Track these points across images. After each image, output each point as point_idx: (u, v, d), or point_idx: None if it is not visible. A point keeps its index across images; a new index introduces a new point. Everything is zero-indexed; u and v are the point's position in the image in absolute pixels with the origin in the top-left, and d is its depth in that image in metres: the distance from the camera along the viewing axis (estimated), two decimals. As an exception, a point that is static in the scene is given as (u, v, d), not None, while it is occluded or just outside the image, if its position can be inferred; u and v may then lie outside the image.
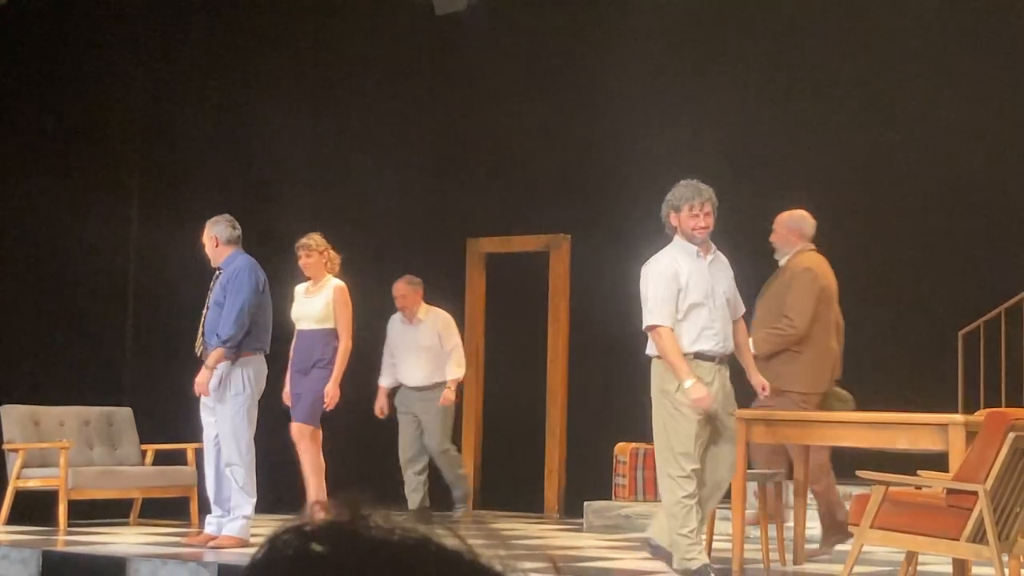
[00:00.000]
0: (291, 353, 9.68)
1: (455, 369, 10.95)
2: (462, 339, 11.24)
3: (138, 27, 11.78)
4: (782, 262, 8.78)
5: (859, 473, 7.25)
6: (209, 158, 11.92)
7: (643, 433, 11.14)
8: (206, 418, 8.90)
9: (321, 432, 9.48)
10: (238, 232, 8.92)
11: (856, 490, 8.10)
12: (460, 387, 11.19)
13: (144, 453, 10.63)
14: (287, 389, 9.64)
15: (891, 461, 7.90)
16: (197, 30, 11.98)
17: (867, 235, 11.29)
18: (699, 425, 7.36)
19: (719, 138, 11.51)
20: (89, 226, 11.21)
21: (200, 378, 8.70)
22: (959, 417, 7.71)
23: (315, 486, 9.39)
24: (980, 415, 7.55)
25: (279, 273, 9.53)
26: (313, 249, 9.60)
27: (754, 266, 8.94)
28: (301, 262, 9.67)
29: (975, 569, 7.40)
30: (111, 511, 9.96)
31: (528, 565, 1.07)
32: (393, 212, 12.50)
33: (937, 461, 7.77)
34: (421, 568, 0.94)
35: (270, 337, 8.94)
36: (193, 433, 9.43)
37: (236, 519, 8.73)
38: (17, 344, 10.86)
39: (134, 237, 11.59)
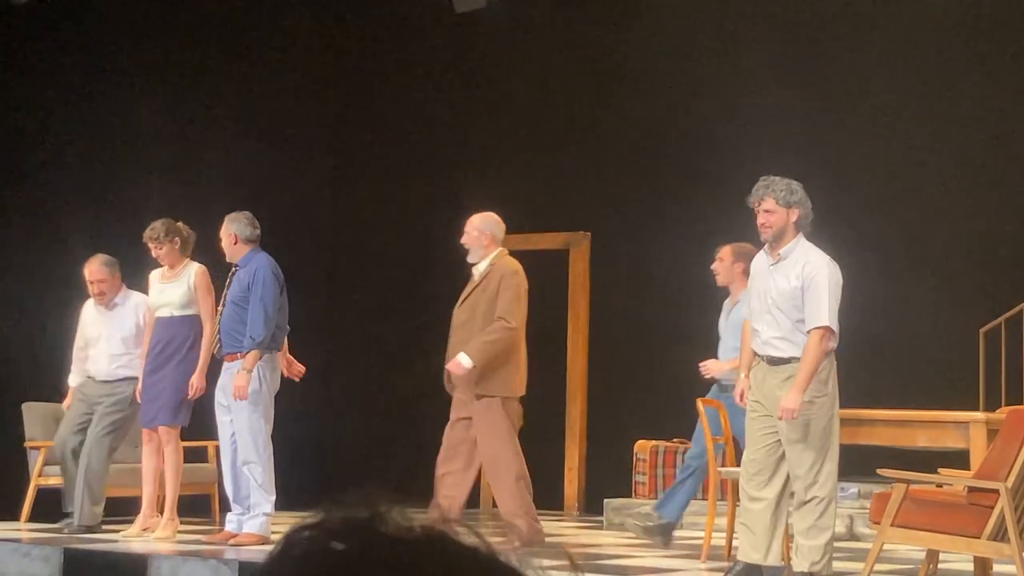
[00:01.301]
0: (146, 345, 9.44)
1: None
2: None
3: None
4: (481, 266, 8.74)
5: (880, 471, 7.23)
6: (233, 153, 11.94)
7: (663, 431, 11.16)
8: (221, 417, 8.89)
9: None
10: (258, 231, 8.91)
11: (877, 488, 8.08)
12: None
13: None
14: (139, 386, 9.41)
15: (912, 459, 7.88)
16: (221, 29, 11.99)
17: (889, 233, 11.26)
18: None
19: (742, 134, 11.48)
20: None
21: (240, 381, 8.63)
22: (980, 415, 7.71)
23: (175, 492, 9.29)
24: (1001, 413, 7.54)
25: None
26: (161, 239, 9.22)
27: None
28: (153, 254, 9.30)
29: (996, 567, 7.39)
30: (132, 509, 9.96)
31: (546, 562, 1.07)
32: (413, 208, 12.50)
33: (958, 459, 7.76)
34: (438, 565, 0.94)
35: (284, 336, 8.95)
36: (213, 431, 9.42)
37: (257, 516, 8.73)
38: (39, 342, 10.88)
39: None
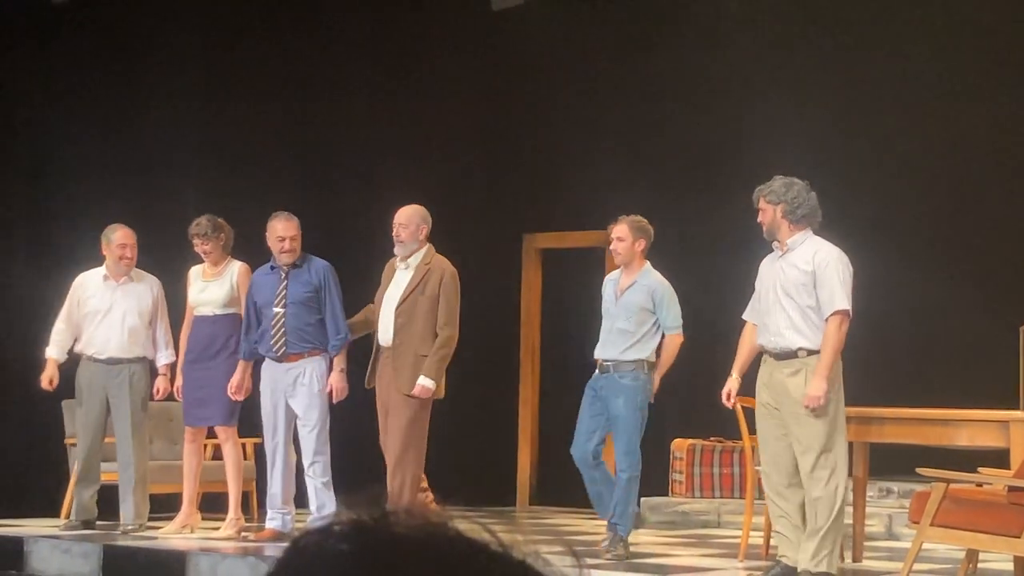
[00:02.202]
0: (185, 342, 9.36)
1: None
2: (519, 335, 11.18)
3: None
4: (413, 261, 8.59)
5: (919, 470, 7.20)
6: (270, 148, 11.98)
7: (699, 429, 11.14)
8: (276, 416, 8.86)
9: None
10: None
11: (916, 487, 8.05)
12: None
13: (203, 448, 10.62)
14: (179, 383, 9.36)
15: (951, 458, 7.84)
16: (258, 29, 12.02)
17: (927, 232, 11.21)
18: None
19: (776, 134, 11.45)
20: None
21: (339, 382, 8.68)
22: (1020, 414, 7.66)
23: (238, 491, 9.30)
24: (1042, 412, 7.48)
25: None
26: (208, 235, 9.18)
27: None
28: (198, 249, 9.24)
29: (1037, 567, 7.34)
30: (171, 506, 10.01)
31: (554, 556, 1.06)
32: (449, 208, 12.51)
33: (998, 458, 7.71)
34: (447, 562, 0.94)
35: None
36: (252, 428, 9.45)
37: (323, 516, 8.66)
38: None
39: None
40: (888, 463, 9.37)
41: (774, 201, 7.35)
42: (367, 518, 0.96)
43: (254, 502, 10.35)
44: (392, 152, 12.45)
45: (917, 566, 7.24)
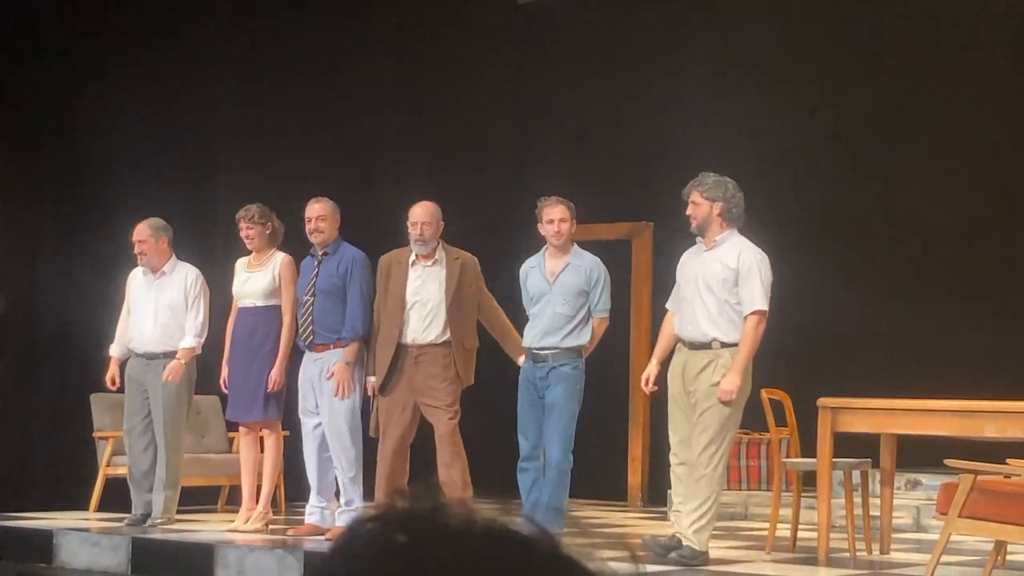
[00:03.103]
0: (229, 334, 9.29)
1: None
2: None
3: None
4: (439, 255, 8.57)
5: (947, 462, 7.19)
6: (309, 150, 12.01)
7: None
8: (307, 408, 8.83)
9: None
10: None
11: (944, 479, 8.03)
12: None
13: (231, 441, 10.66)
14: (225, 374, 9.29)
15: (979, 449, 7.82)
16: (290, 28, 12.06)
17: (958, 223, 11.18)
18: None
19: (802, 125, 11.43)
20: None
21: (342, 374, 8.60)
22: (1049, 405, 7.61)
23: (271, 485, 9.28)
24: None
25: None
26: (255, 221, 9.13)
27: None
28: (243, 234, 9.17)
29: (1066, 559, 7.32)
30: (199, 498, 10.06)
31: (608, 553, 1.07)
32: (475, 202, 12.52)
33: (1026, 450, 7.69)
34: (501, 558, 0.94)
35: None
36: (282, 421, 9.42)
37: (350, 510, 8.68)
38: (107, 333, 10.97)
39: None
40: (916, 455, 9.35)
41: (711, 198, 7.61)
42: (423, 509, 0.96)
43: (282, 496, 10.37)
44: (415, 146, 12.46)
45: (945, 558, 7.22)
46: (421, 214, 8.57)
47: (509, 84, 12.85)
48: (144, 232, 9.44)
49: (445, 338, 8.47)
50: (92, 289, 11.09)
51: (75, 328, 11.17)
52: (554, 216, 8.27)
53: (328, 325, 8.71)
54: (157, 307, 9.43)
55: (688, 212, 7.64)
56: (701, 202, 7.59)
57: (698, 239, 7.73)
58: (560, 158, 12.69)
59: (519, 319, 8.60)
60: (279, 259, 9.18)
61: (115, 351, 9.62)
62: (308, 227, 8.82)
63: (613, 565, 1.00)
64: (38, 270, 11.57)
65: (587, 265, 8.28)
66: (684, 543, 7.46)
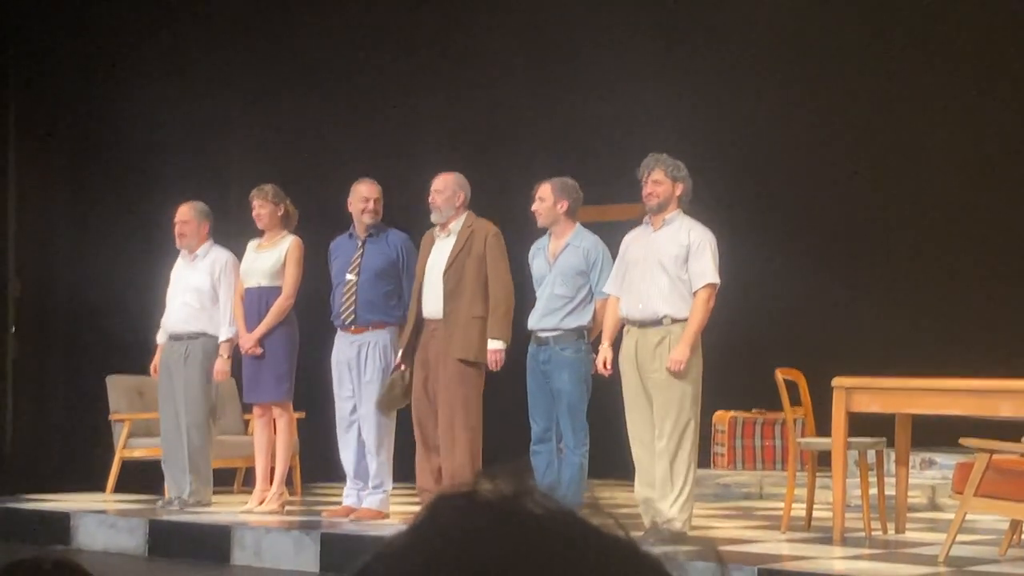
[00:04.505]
0: (239, 316, 9.31)
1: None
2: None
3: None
4: (455, 226, 8.47)
5: (962, 441, 7.19)
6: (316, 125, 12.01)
7: (741, 402, 11.13)
8: (343, 394, 8.82)
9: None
10: None
11: (959, 458, 8.03)
12: None
13: (247, 423, 10.67)
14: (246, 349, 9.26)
15: (995, 429, 7.81)
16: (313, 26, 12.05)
17: (977, 201, 11.17)
18: None
19: (820, 107, 11.41)
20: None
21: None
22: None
23: (285, 467, 9.29)
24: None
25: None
26: (268, 200, 9.14)
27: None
28: (254, 212, 9.19)
29: (1081, 537, 7.31)
30: (215, 480, 10.08)
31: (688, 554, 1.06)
32: (488, 184, 12.51)
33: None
34: (580, 551, 0.92)
35: None
36: (296, 402, 9.44)
37: (379, 492, 8.72)
38: (122, 316, 11.00)
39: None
40: (931, 434, 9.34)
41: (675, 178, 7.71)
42: (507, 492, 0.94)
43: (297, 477, 10.40)
44: (428, 127, 12.45)
45: (961, 537, 7.22)
46: (436, 183, 8.54)
47: (519, 63, 12.81)
48: (188, 213, 9.48)
49: (448, 309, 8.38)
50: (108, 271, 11.11)
51: (91, 311, 11.20)
52: (536, 194, 8.29)
53: (372, 307, 8.69)
54: (186, 288, 9.44)
55: (648, 191, 7.71)
56: (664, 180, 7.70)
57: (645, 220, 7.82)
58: (574, 139, 12.68)
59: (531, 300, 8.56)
60: (289, 240, 9.19)
61: (160, 338, 9.65)
62: (365, 206, 8.74)
63: (694, 565, 0.99)
64: (53, 252, 11.59)
65: (586, 245, 8.23)
66: (664, 526, 7.44)
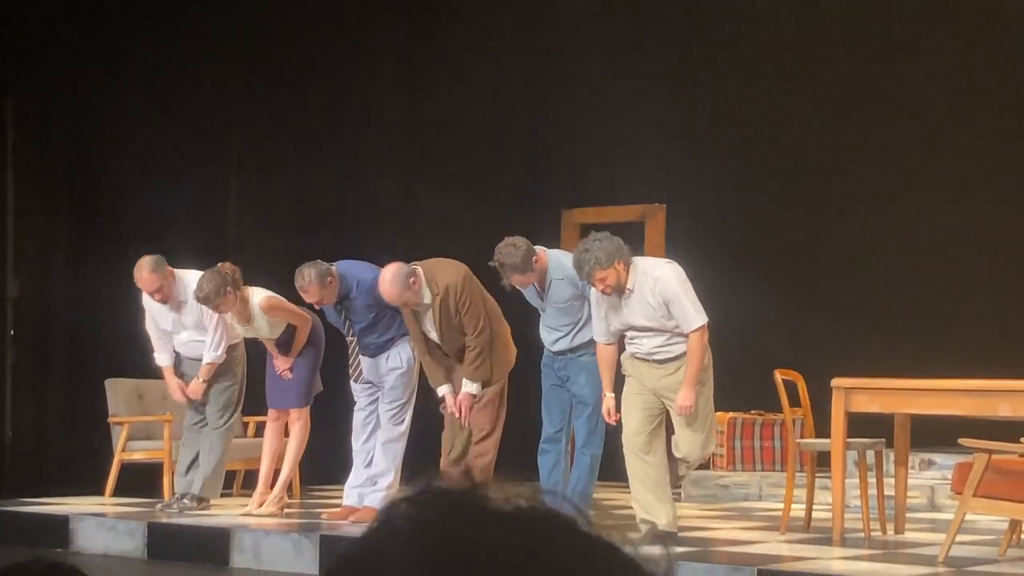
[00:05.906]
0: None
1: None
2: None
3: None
4: (426, 299, 8.52)
5: (961, 441, 7.18)
6: (313, 136, 12.01)
7: (740, 403, 11.12)
8: (362, 394, 9.01)
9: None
10: None
11: (958, 458, 8.02)
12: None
13: (246, 425, 10.69)
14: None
15: (994, 429, 7.81)
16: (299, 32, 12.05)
17: (977, 200, 11.17)
18: None
19: (818, 107, 11.42)
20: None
21: (392, 363, 8.87)
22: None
23: (291, 470, 9.39)
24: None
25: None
26: (227, 294, 8.84)
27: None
28: (221, 311, 9.02)
29: (1081, 537, 7.31)
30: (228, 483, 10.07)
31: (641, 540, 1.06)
32: (488, 184, 12.52)
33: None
34: (536, 540, 0.93)
35: None
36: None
37: (379, 491, 8.81)
38: (121, 319, 10.99)
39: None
40: (930, 434, 9.34)
41: (611, 263, 7.48)
42: (458, 490, 0.95)
43: (297, 481, 10.40)
44: (429, 129, 12.46)
45: (960, 537, 7.22)
46: (390, 300, 8.45)
47: (521, 65, 12.82)
48: (153, 281, 9.22)
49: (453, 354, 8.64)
50: (108, 273, 11.11)
51: (90, 313, 11.19)
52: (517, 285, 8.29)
53: (379, 345, 8.89)
54: (186, 326, 9.49)
55: (600, 289, 7.51)
56: (605, 275, 7.46)
57: (614, 293, 7.67)
58: (573, 140, 12.68)
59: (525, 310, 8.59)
60: (258, 310, 9.08)
61: (164, 360, 9.61)
62: (315, 303, 8.86)
63: (648, 551, 0.99)
64: (52, 254, 11.58)
65: (566, 273, 8.15)
66: (660, 527, 7.49)
